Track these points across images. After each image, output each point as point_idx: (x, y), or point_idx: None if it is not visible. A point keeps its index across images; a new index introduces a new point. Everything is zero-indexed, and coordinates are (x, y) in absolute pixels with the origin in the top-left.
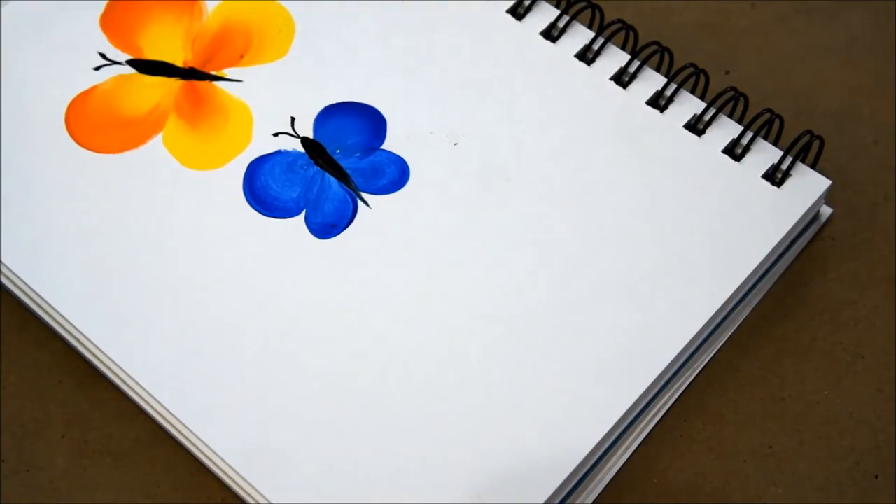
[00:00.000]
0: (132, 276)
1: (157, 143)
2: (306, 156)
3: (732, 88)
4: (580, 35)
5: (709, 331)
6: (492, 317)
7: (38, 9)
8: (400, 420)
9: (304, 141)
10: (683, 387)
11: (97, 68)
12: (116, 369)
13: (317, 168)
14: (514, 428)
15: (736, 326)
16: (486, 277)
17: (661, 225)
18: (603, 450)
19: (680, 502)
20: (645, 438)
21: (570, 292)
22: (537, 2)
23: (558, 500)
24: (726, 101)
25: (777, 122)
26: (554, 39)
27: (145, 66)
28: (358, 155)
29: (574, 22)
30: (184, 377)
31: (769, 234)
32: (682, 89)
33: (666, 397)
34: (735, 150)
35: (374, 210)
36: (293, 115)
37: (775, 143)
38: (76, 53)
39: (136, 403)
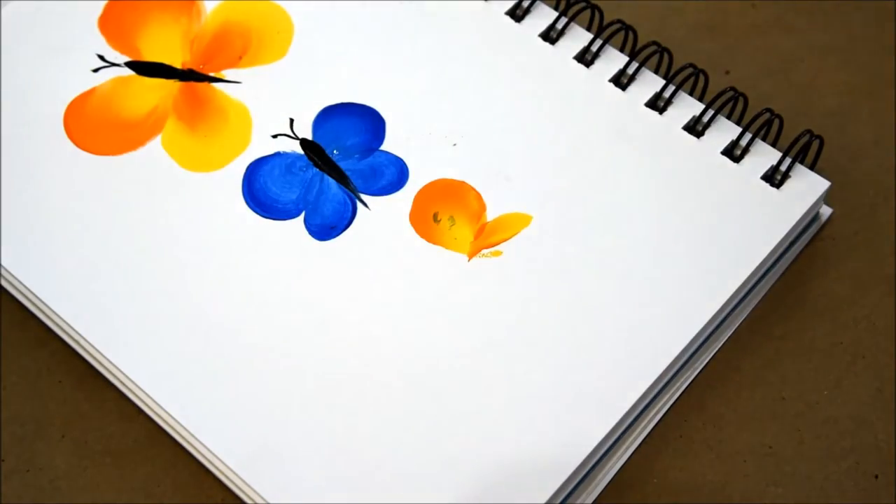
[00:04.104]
0: (131, 278)
1: (155, 144)
2: (305, 157)
3: (732, 88)
4: (579, 37)
5: (709, 331)
6: (492, 317)
7: (38, 10)
8: (400, 420)
9: (303, 142)
10: (683, 387)
11: (96, 70)
12: (115, 370)
13: (316, 170)
14: (514, 428)
15: (736, 326)
16: (485, 277)
17: (660, 227)
18: (603, 450)
19: (680, 502)
20: (645, 438)
21: (570, 293)
22: (536, 4)
23: (559, 501)
24: (726, 101)
25: (777, 122)
26: (553, 41)
27: (144, 68)
28: (357, 156)
29: (573, 24)
30: (183, 378)
31: (768, 236)
32: (680, 91)
33: (666, 397)
34: (734, 152)
35: (374, 211)
36: (292, 117)
37: (775, 143)
38: (75, 55)
39: (135, 404)
